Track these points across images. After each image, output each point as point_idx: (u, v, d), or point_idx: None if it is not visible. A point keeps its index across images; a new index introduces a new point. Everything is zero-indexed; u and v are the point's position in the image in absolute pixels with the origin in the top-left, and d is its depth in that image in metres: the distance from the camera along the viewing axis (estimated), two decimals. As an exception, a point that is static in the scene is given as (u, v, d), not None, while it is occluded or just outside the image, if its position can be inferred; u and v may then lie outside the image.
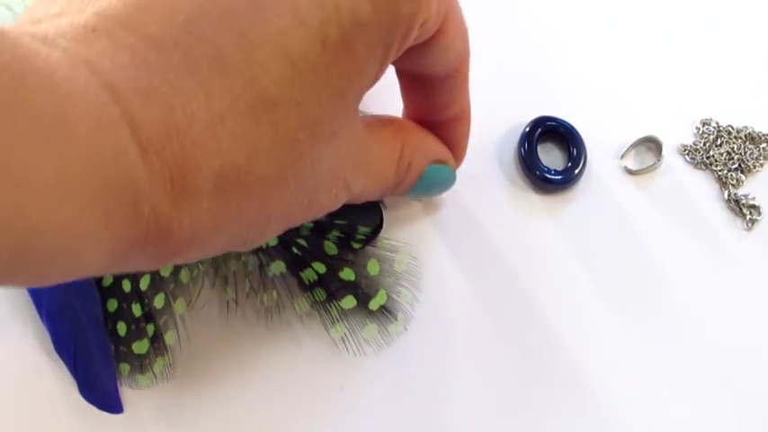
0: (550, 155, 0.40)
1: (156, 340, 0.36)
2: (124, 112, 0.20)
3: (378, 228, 0.37)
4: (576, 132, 0.39)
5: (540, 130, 0.39)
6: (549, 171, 0.38)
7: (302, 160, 0.24)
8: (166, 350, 0.36)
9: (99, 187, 0.20)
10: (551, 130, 0.39)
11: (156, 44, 0.21)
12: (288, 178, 0.24)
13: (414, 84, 0.32)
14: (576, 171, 0.38)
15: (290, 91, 0.23)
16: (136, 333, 0.36)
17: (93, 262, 0.21)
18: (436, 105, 0.33)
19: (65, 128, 0.19)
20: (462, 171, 0.39)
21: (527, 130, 0.39)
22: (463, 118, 0.34)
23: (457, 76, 0.31)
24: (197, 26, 0.22)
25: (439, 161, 0.34)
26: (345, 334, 0.36)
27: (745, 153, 0.40)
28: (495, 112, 0.40)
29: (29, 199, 0.18)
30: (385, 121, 0.32)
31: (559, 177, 0.38)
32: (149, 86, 0.21)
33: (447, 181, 0.35)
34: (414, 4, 0.25)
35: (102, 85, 0.20)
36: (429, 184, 0.34)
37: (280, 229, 0.27)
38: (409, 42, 0.26)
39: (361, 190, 0.29)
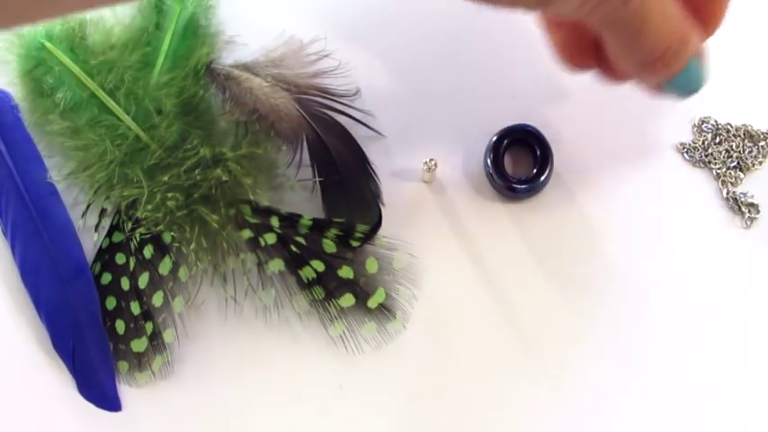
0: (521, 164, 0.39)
1: (155, 338, 0.36)
2: None
3: (376, 226, 0.37)
4: (543, 139, 0.38)
5: (507, 140, 0.38)
6: (513, 179, 0.37)
7: None
8: (165, 348, 0.37)
9: None
10: (521, 139, 0.38)
11: None
12: None
13: None
14: (542, 178, 0.37)
15: None
16: (134, 331, 0.36)
17: None
18: None
19: None
20: (463, 169, 0.39)
21: (494, 139, 0.38)
22: None
23: None
24: None
25: (699, 56, 0.33)
26: (344, 332, 0.36)
27: (744, 151, 0.40)
28: (496, 112, 0.40)
29: None
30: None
31: (524, 186, 0.37)
32: None
33: (701, 79, 0.33)
34: None
35: None
36: (687, 80, 0.33)
37: None
38: None
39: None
